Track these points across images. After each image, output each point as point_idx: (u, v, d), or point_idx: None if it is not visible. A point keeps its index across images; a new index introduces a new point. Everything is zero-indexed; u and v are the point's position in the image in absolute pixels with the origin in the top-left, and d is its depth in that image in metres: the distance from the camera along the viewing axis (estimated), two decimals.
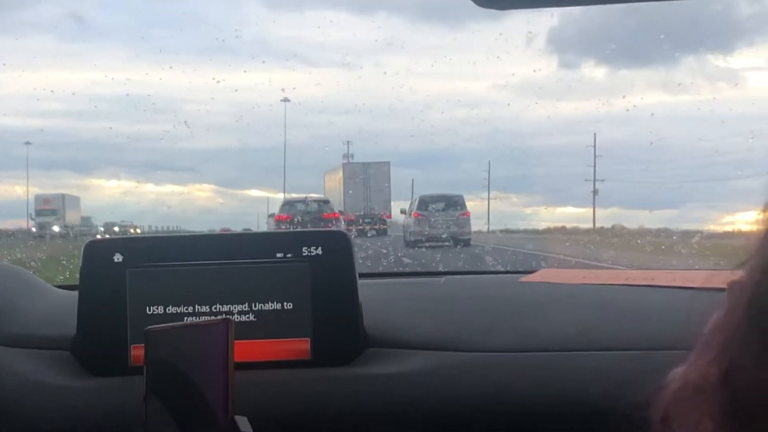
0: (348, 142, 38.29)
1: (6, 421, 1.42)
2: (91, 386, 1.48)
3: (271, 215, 23.58)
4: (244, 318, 1.50)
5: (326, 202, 25.62)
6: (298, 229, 3.31)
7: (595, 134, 30.95)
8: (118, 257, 1.52)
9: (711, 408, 0.54)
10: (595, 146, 31.33)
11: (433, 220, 22.58)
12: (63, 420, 1.43)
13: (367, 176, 35.56)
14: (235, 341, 1.09)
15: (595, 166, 31.24)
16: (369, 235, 26.69)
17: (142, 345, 1.05)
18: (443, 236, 20.90)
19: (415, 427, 1.44)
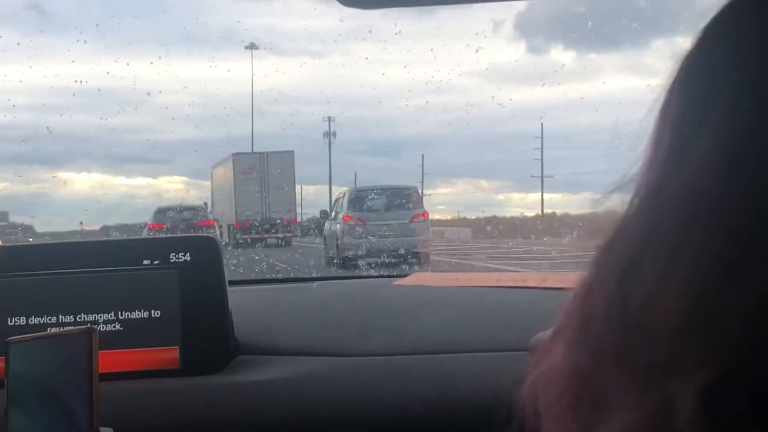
0: (329, 118, 31.26)
1: None
2: None
3: (144, 224, 20.20)
4: (110, 327, 1.46)
5: (202, 208, 22.41)
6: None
7: (542, 123, 30.17)
8: None
9: (569, 396, 0.55)
10: (542, 134, 30.64)
11: (372, 225, 15.79)
12: None
13: (264, 170, 27.00)
14: (102, 351, 1.05)
15: (542, 154, 30.61)
16: (266, 245, 22.89)
17: (2, 357, 1.02)
18: (392, 250, 14.08)
19: None
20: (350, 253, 14.76)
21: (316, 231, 23.81)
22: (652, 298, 0.48)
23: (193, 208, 21.33)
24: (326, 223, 18.08)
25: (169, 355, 1.47)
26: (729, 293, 0.45)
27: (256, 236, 23.66)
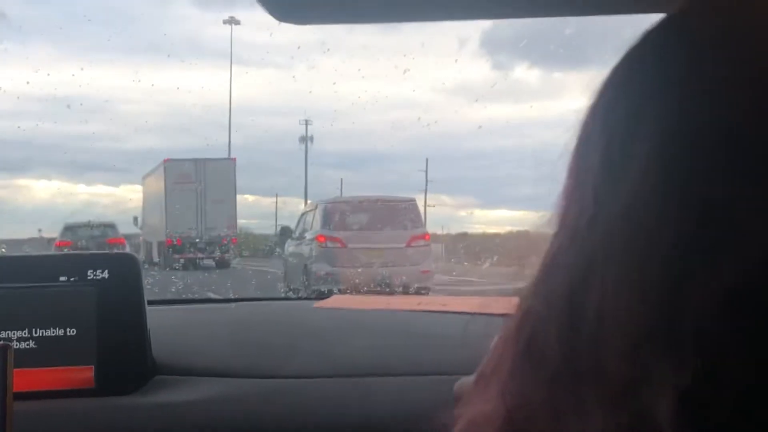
0: (306, 120, 28.87)
1: None
2: None
3: (51, 240, 18.93)
4: (24, 345, 1.42)
5: (111, 226, 20.47)
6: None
7: (427, 159, 28.98)
8: None
9: None
10: (427, 169, 29.56)
11: (355, 250, 11.95)
12: None
13: (201, 180, 23.09)
14: (15, 369, 1.03)
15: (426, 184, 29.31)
16: (198, 266, 20.03)
17: None
18: (381, 284, 10.31)
19: None
20: (323, 287, 10.84)
21: (266, 251, 21.39)
22: (605, 321, 0.49)
23: (103, 225, 19.99)
24: (288, 244, 14.00)
25: (84, 374, 1.44)
26: (681, 303, 0.46)
27: (189, 255, 20.70)
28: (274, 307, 2.23)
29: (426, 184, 28.18)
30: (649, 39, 0.56)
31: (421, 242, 12.59)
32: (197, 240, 21.47)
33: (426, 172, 29.25)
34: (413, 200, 14.22)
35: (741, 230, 0.47)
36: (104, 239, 18.62)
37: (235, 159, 24.40)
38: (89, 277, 1.46)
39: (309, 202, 15.33)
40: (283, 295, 12.35)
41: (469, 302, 1.94)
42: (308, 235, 13.06)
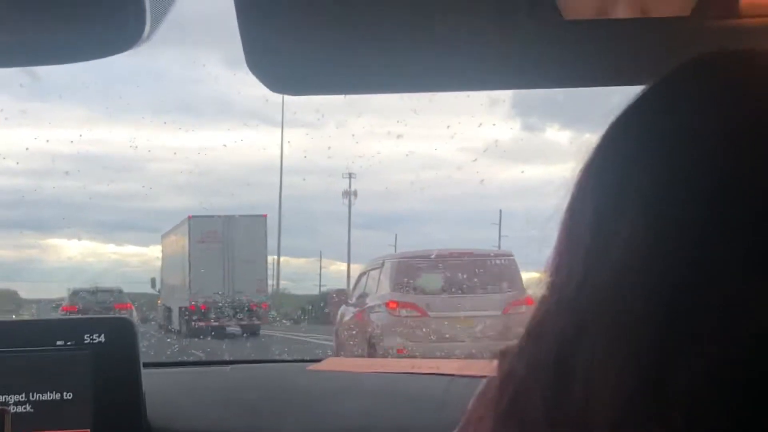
0: (350, 174, 26.48)
1: None
2: None
3: (56, 306, 18.22)
4: (20, 408, 1.44)
5: (119, 291, 19.26)
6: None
7: (500, 210, 26.78)
8: None
9: None
10: (500, 223, 27.64)
11: (439, 319, 9.66)
12: None
13: (229, 239, 20.42)
14: None
15: (500, 240, 26.59)
16: (224, 334, 17.33)
17: None
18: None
19: None
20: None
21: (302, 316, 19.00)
22: (594, 387, 0.50)
23: (109, 291, 19.07)
24: (342, 311, 11.27)
25: None
26: (670, 372, 0.48)
27: (215, 323, 18.15)
28: (268, 370, 2.24)
29: (499, 239, 26.05)
30: (636, 106, 0.58)
31: (523, 308, 8.70)
32: (224, 305, 18.87)
33: (499, 225, 27.33)
34: (511, 255, 10.87)
35: (730, 303, 0.48)
36: (111, 304, 17.91)
37: (266, 216, 21.37)
38: (86, 341, 1.48)
39: (372, 259, 11.63)
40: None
41: (463, 365, 1.95)
42: (372, 301, 10.47)
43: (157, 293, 22.35)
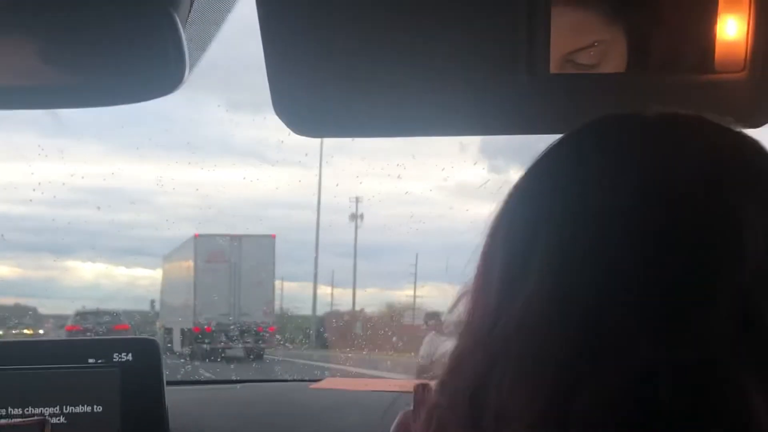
0: (357, 198, 22.32)
1: None
2: None
3: (61, 326, 17.26)
4: (55, 420, 1.56)
5: (117, 314, 17.83)
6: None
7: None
8: None
9: None
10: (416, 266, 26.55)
11: None
12: None
13: (236, 259, 19.18)
14: None
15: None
16: (226, 358, 15.75)
17: None
18: None
19: None
20: None
21: (305, 339, 17.44)
22: (502, 420, 0.53)
23: (109, 313, 17.97)
24: (428, 341, 6.43)
25: None
26: (570, 405, 0.51)
27: (217, 345, 16.77)
28: (273, 388, 2.36)
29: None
30: (547, 157, 0.60)
31: None
32: (229, 327, 17.64)
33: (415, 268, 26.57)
34: None
35: (623, 338, 0.50)
36: (111, 325, 17.75)
37: (274, 236, 19.74)
38: (115, 360, 1.59)
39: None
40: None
41: None
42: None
43: (154, 314, 21.27)
